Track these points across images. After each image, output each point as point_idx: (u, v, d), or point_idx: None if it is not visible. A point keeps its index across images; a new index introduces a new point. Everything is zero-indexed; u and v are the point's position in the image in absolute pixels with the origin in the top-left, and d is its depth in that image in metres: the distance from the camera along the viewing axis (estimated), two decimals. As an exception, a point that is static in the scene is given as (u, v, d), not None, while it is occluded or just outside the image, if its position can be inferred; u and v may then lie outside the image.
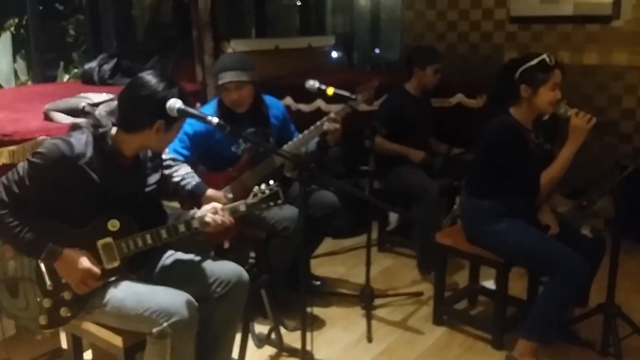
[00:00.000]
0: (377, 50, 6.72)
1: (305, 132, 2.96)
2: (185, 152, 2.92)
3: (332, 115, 2.93)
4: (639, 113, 4.49)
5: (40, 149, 1.93)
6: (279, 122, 3.13)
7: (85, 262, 1.94)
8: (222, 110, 2.96)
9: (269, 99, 3.15)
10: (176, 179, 2.84)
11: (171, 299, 1.94)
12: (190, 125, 2.89)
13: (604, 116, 4.57)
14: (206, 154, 2.99)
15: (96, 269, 1.96)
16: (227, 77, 2.90)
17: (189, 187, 2.82)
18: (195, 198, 2.85)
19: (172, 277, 2.16)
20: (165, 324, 1.90)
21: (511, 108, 2.66)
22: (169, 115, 1.94)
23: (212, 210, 2.09)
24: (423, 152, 3.72)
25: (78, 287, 1.96)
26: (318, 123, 2.94)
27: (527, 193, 2.66)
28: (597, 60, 4.61)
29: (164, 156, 2.83)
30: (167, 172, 2.85)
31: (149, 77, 1.97)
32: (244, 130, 2.97)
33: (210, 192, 2.82)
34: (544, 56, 2.59)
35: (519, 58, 2.66)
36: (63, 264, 1.94)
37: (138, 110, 1.96)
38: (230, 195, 2.88)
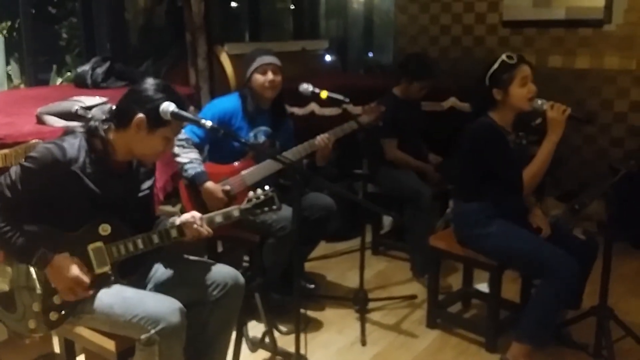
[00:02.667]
0: (370, 54, 6.74)
1: (305, 143, 3.01)
2: (200, 133, 2.95)
3: (325, 135, 2.97)
4: (630, 117, 4.52)
5: (32, 153, 1.92)
6: (288, 133, 3.20)
7: (75, 270, 1.93)
8: (247, 102, 3.02)
9: None
10: (182, 160, 2.88)
11: (159, 306, 1.93)
12: (209, 110, 2.99)
13: (596, 121, 4.61)
14: (218, 142, 3.00)
15: (86, 278, 1.95)
16: (268, 59, 3.01)
17: (191, 171, 2.86)
18: (193, 186, 2.87)
19: (167, 281, 2.15)
20: (152, 331, 1.88)
21: (490, 112, 2.70)
22: (151, 113, 1.93)
23: (191, 220, 2.07)
24: (438, 173, 3.75)
25: (66, 294, 1.95)
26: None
27: (512, 193, 2.68)
28: (589, 64, 4.63)
29: (179, 135, 2.86)
30: (176, 150, 2.87)
31: (148, 79, 2.00)
32: (260, 125, 3.06)
33: (208, 184, 2.85)
34: (503, 57, 2.65)
35: (485, 66, 2.71)
36: (53, 270, 1.93)
37: (124, 103, 1.98)
38: (228, 187, 2.90)
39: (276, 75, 3.00)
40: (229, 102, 3.06)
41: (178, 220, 2.08)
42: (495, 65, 2.65)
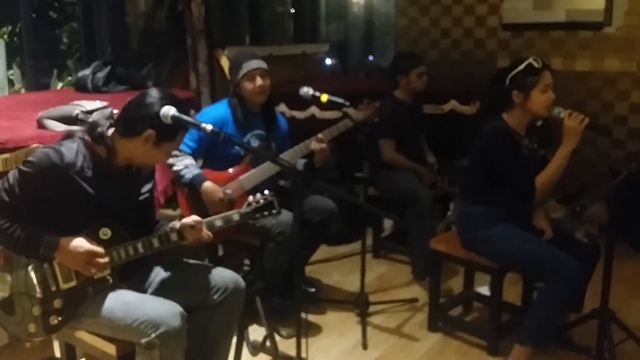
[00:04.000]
0: (371, 57, 6.74)
1: (301, 144, 3.00)
2: (193, 144, 2.95)
3: (320, 136, 2.96)
4: (631, 119, 4.52)
5: (30, 158, 1.93)
6: (283, 134, 3.20)
7: (85, 244, 1.93)
8: (236, 108, 3.01)
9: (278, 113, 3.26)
10: (177, 168, 2.88)
11: (159, 310, 1.93)
12: (202, 118, 2.93)
13: (610, 132, 4.59)
14: (212, 151, 3.00)
15: (98, 248, 1.94)
16: (254, 64, 2.98)
17: (188, 175, 2.86)
18: (192, 193, 2.86)
19: (168, 285, 2.15)
20: (153, 335, 1.88)
21: (504, 114, 2.68)
22: (161, 129, 1.94)
23: (192, 223, 2.07)
24: (433, 175, 3.74)
25: (86, 269, 1.94)
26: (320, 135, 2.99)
27: (521, 198, 2.67)
28: (589, 66, 4.63)
29: None
30: (170, 161, 2.87)
31: (155, 91, 2.01)
32: (253, 129, 3.05)
33: (208, 184, 2.84)
34: (531, 60, 2.62)
35: (508, 65, 2.69)
36: (64, 252, 1.92)
37: (134, 115, 1.97)
38: (229, 191, 2.89)
39: (264, 79, 2.98)
40: (219, 110, 3.05)
41: (178, 224, 2.08)
42: (521, 67, 2.61)
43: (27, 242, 1.91)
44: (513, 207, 2.68)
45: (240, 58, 3.05)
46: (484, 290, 3.26)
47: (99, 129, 1.99)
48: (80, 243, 1.93)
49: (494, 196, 2.69)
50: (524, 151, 2.66)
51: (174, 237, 2.06)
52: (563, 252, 2.55)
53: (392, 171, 3.70)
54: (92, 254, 1.93)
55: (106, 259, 1.97)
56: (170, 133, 1.97)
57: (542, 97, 2.60)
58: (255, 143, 3.05)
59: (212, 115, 3.00)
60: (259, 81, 2.97)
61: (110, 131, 2.00)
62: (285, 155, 2.97)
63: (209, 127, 1.97)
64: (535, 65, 2.60)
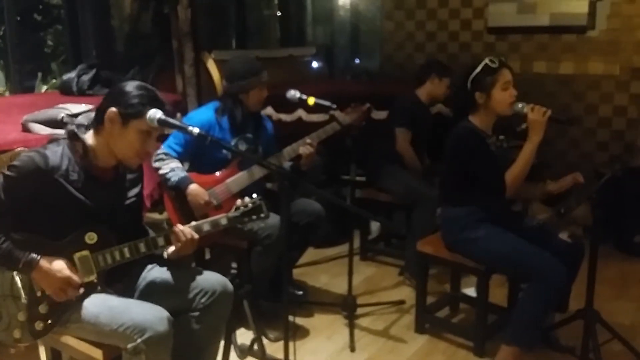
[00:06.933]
0: (357, 61, 6.76)
1: (288, 147, 3.01)
2: (178, 148, 2.94)
3: (307, 139, 2.97)
4: (615, 121, 4.58)
5: (15, 162, 1.91)
6: (269, 137, 3.20)
7: (64, 270, 1.92)
8: (231, 111, 3.01)
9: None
10: (163, 171, 2.88)
11: (145, 315, 1.92)
12: (189, 122, 2.94)
13: (580, 125, 4.66)
14: (199, 155, 2.99)
15: (75, 277, 1.93)
16: (265, 77, 3.02)
17: (174, 178, 2.86)
18: (179, 196, 2.86)
19: (155, 289, 2.14)
20: (139, 340, 1.87)
21: (470, 116, 2.74)
22: (122, 106, 1.92)
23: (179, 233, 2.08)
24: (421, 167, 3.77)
25: (57, 295, 1.93)
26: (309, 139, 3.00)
27: (497, 196, 2.70)
28: (573, 69, 4.69)
29: (157, 150, 2.86)
30: (156, 164, 2.87)
31: (128, 81, 2.02)
32: (240, 132, 3.05)
33: (193, 186, 2.84)
34: (487, 60, 2.68)
35: (467, 69, 2.74)
36: (40, 274, 1.91)
37: (100, 104, 1.98)
38: (215, 202, 2.88)
39: (265, 90, 3.04)
40: (206, 114, 3.04)
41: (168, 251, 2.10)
42: (478, 69, 2.68)
43: (7, 256, 1.89)
44: (492, 205, 2.71)
45: (255, 67, 3.03)
46: (471, 291, 3.28)
47: (70, 127, 1.99)
48: (60, 267, 1.92)
49: (473, 196, 2.72)
50: (491, 148, 2.70)
51: (160, 241, 2.06)
52: (547, 252, 2.57)
53: (395, 168, 3.69)
54: (69, 282, 1.92)
55: (81, 290, 1.96)
56: (134, 108, 1.92)
57: (504, 95, 2.65)
58: (242, 146, 3.05)
59: (200, 120, 2.99)
60: (263, 93, 3.02)
61: (85, 130, 2.00)
62: (272, 159, 2.97)
63: (196, 130, 1.97)
64: (492, 65, 2.66)
